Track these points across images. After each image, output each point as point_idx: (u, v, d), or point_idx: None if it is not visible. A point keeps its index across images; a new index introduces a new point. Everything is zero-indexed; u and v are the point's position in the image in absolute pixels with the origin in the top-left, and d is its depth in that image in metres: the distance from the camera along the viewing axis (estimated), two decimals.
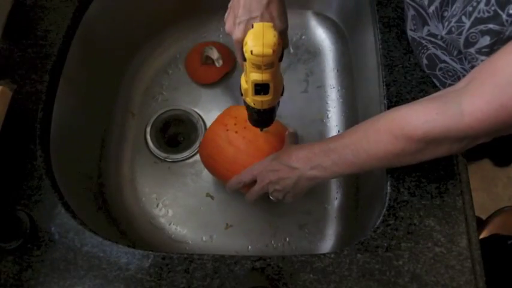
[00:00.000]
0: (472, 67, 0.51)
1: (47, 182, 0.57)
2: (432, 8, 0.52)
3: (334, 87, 0.83)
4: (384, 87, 0.61)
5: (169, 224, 0.74)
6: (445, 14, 0.50)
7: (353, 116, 0.78)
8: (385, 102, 0.60)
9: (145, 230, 0.73)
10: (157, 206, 0.75)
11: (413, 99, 0.59)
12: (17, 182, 0.57)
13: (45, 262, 0.52)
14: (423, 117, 0.43)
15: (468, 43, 0.47)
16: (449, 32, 0.49)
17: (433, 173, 0.56)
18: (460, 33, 0.47)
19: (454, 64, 0.54)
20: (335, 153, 0.51)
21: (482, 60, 0.47)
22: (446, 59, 0.55)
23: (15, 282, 0.51)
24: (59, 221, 0.55)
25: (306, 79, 0.84)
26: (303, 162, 0.54)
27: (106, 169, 0.76)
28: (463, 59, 0.52)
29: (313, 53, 0.86)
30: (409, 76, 0.62)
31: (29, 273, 0.52)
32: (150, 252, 0.53)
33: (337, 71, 0.84)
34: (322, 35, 0.88)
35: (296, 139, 0.64)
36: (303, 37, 0.88)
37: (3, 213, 0.54)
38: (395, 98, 0.60)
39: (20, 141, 0.59)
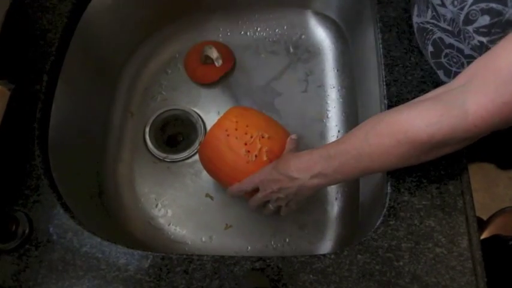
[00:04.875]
0: (471, 47, 0.50)
1: (45, 182, 0.56)
2: None
3: (334, 87, 0.83)
4: (384, 86, 0.61)
5: (169, 225, 0.74)
6: None
7: (353, 116, 0.78)
8: (386, 102, 0.60)
9: (144, 231, 0.73)
10: (156, 206, 0.75)
11: (414, 99, 0.59)
12: (15, 182, 0.56)
13: (44, 263, 0.52)
14: (427, 120, 0.42)
15: (467, 20, 0.47)
16: (452, 4, 0.49)
17: (433, 173, 0.55)
18: (462, 8, 0.47)
19: (459, 45, 0.54)
20: (336, 160, 0.51)
21: (478, 41, 0.47)
22: (452, 41, 0.54)
23: (13, 283, 0.51)
24: (58, 221, 0.54)
25: (306, 79, 0.84)
26: (303, 172, 0.54)
27: (105, 169, 0.76)
28: (463, 39, 0.52)
29: (313, 52, 0.86)
30: (410, 76, 0.61)
31: (27, 274, 0.52)
32: (149, 252, 0.52)
33: (337, 70, 0.84)
34: (322, 35, 0.87)
35: (297, 146, 0.63)
36: (303, 36, 0.87)
37: (1, 214, 0.53)
38: (396, 98, 0.60)
39: (18, 141, 0.58)
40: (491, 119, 0.39)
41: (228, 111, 0.66)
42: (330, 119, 0.81)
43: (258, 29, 0.88)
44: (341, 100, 0.82)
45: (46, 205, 0.55)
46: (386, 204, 0.54)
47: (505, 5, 0.42)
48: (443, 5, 0.52)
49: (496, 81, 0.38)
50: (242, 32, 0.88)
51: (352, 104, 0.79)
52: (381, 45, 0.64)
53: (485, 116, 0.39)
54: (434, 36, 0.57)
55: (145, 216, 0.74)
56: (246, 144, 0.61)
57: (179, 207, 0.75)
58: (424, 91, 0.60)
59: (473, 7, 0.45)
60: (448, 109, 0.41)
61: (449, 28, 0.54)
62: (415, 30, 0.63)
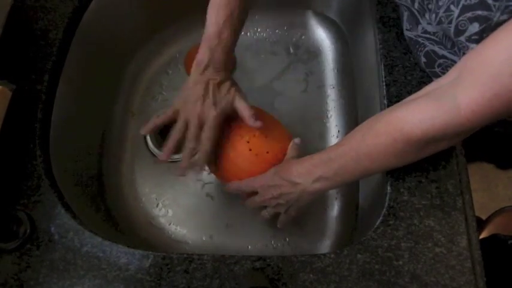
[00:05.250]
0: None
1: (47, 182, 0.57)
2: (416, 4, 0.52)
3: (334, 87, 0.83)
4: (384, 87, 0.61)
5: (169, 224, 0.74)
6: (430, 6, 0.50)
7: (353, 116, 0.78)
8: (385, 102, 0.60)
9: (145, 230, 0.73)
10: (157, 206, 0.75)
11: None
12: (16, 182, 0.56)
13: (45, 262, 0.52)
14: (420, 116, 0.43)
15: (458, 31, 0.47)
16: (440, 22, 0.49)
17: (433, 173, 0.55)
18: (450, 22, 0.47)
19: (452, 57, 0.54)
20: (335, 162, 0.51)
21: (472, 48, 0.47)
22: (444, 53, 0.55)
23: (14, 282, 0.51)
24: (59, 221, 0.55)
25: (306, 79, 0.84)
26: (304, 176, 0.54)
27: (106, 169, 0.76)
28: (457, 50, 0.52)
29: (313, 52, 0.86)
30: (409, 76, 0.62)
31: (29, 274, 0.52)
32: (150, 252, 0.52)
33: (337, 71, 0.84)
34: (322, 35, 0.88)
35: (299, 152, 0.62)
36: (303, 37, 0.88)
37: (2, 213, 0.54)
38: (395, 98, 0.60)
39: (20, 141, 0.59)
40: (483, 112, 0.39)
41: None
42: (330, 119, 0.81)
43: (258, 30, 0.88)
44: (341, 100, 0.82)
45: (47, 205, 0.55)
46: (386, 204, 0.54)
47: (490, 10, 0.42)
48: (431, 24, 0.53)
49: (485, 74, 0.38)
50: (242, 33, 0.88)
51: (352, 104, 0.79)
52: (380, 46, 0.64)
53: (476, 110, 0.39)
54: (426, 49, 0.58)
55: (146, 216, 0.74)
56: (248, 142, 0.61)
57: (180, 206, 0.75)
58: None
59: (461, 18, 0.46)
60: (440, 104, 0.42)
61: (442, 41, 0.54)
62: (407, 40, 0.63)
